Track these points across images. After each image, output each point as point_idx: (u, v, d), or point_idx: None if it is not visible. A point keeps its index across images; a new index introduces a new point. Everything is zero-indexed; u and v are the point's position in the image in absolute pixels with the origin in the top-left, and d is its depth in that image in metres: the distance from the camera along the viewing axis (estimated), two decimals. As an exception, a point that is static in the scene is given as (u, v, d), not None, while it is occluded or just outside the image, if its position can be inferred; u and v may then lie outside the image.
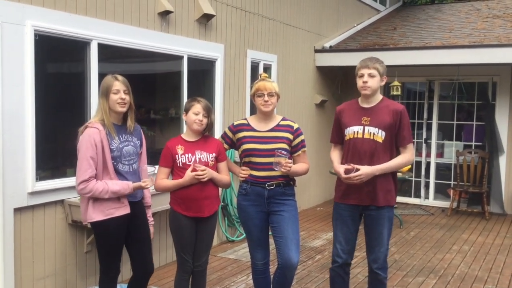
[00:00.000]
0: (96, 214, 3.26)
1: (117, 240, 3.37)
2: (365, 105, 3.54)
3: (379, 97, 3.56)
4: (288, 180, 3.57)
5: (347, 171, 3.42)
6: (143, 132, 3.64)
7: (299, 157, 3.61)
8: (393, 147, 3.51)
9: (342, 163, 3.57)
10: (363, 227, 3.63)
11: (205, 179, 3.45)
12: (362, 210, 3.55)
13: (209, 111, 3.53)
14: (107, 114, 3.26)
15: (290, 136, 3.55)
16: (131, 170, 3.38)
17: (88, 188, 3.18)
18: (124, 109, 3.32)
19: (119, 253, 3.43)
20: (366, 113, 3.50)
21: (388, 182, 3.49)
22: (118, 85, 3.27)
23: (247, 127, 3.60)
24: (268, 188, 3.50)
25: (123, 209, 3.31)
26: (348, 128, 3.53)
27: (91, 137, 3.19)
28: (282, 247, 3.46)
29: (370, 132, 3.45)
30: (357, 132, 3.49)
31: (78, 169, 3.22)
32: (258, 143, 3.51)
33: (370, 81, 3.43)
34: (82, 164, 3.19)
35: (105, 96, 3.27)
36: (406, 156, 3.52)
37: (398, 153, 3.56)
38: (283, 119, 3.63)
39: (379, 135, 3.44)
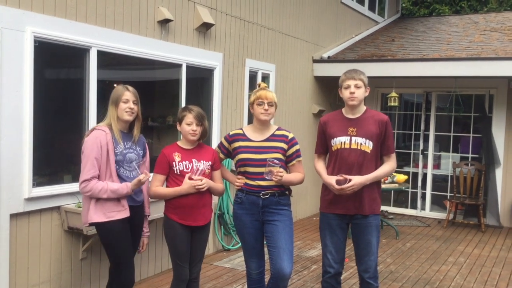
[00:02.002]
0: (97, 215, 3.34)
1: (124, 239, 3.42)
2: (350, 116, 3.61)
3: (363, 107, 3.64)
4: (283, 190, 3.58)
5: (338, 182, 3.46)
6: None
7: (294, 166, 3.62)
8: (378, 156, 3.60)
9: (328, 173, 3.62)
10: (351, 237, 3.67)
11: (204, 189, 3.49)
12: (349, 219, 3.60)
13: (201, 119, 3.56)
14: (115, 121, 3.43)
15: (285, 146, 3.57)
16: (131, 176, 3.47)
17: (88, 187, 3.29)
18: (131, 118, 3.47)
19: (130, 251, 3.50)
20: (352, 124, 3.57)
21: (373, 191, 3.57)
22: (129, 95, 3.44)
23: (243, 137, 3.63)
24: (262, 197, 3.51)
25: (124, 213, 3.40)
26: (335, 139, 3.58)
27: (98, 139, 3.32)
28: (275, 257, 3.46)
29: (358, 143, 3.52)
30: (344, 142, 3.55)
31: (82, 169, 3.33)
32: (252, 153, 3.53)
33: (356, 92, 3.53)
34: (86, 164, 3.31)
35: (114, 104, 3.43)
36: (392, 164, 3.63)
37: (381, 162, 3.65)
38: (278, 129, 3.65)
39: (367, 145, 3.52)
